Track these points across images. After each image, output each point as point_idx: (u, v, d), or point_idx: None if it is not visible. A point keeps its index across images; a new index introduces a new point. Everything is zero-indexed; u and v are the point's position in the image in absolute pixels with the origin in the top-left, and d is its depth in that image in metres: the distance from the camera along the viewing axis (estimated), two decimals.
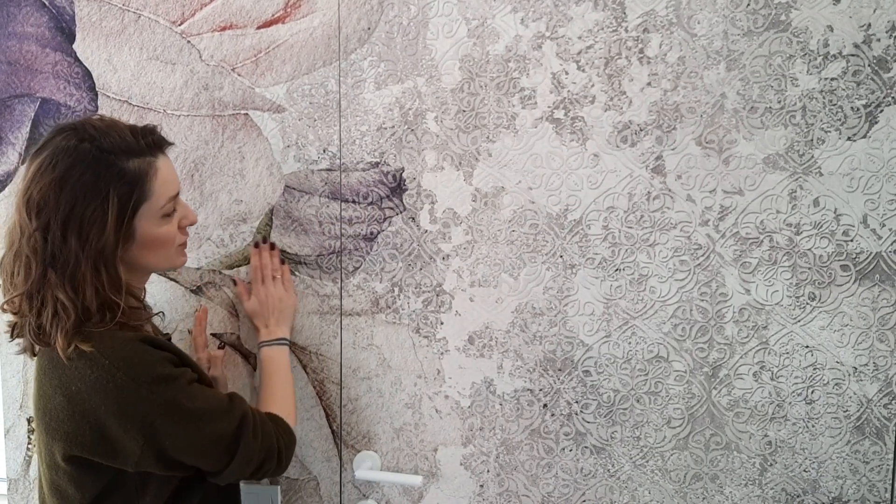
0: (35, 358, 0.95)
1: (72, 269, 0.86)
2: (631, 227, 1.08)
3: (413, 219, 1.16)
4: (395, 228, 1.17)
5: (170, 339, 1.09)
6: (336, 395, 1.23)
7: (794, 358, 1.05)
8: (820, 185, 1.02)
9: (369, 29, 1.14)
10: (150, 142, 0.93)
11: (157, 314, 1.04)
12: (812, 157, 1.01)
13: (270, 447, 0.98)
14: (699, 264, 1.06)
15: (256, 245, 1.20)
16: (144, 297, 1.02)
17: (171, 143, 0.97)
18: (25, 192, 0.87)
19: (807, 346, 1.05)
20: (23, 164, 1.29)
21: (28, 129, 1.28)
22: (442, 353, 1.17)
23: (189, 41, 1.21)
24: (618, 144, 1.07)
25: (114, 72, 1.25)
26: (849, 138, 1.00)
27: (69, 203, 0.85)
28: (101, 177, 0.87)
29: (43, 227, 0.85)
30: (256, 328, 1.18)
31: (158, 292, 1.27)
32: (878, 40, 0.98)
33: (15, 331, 0.93)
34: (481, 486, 1.18)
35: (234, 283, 1.23)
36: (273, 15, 1.18)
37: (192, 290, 1.27)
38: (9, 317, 0.93)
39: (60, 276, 0.86)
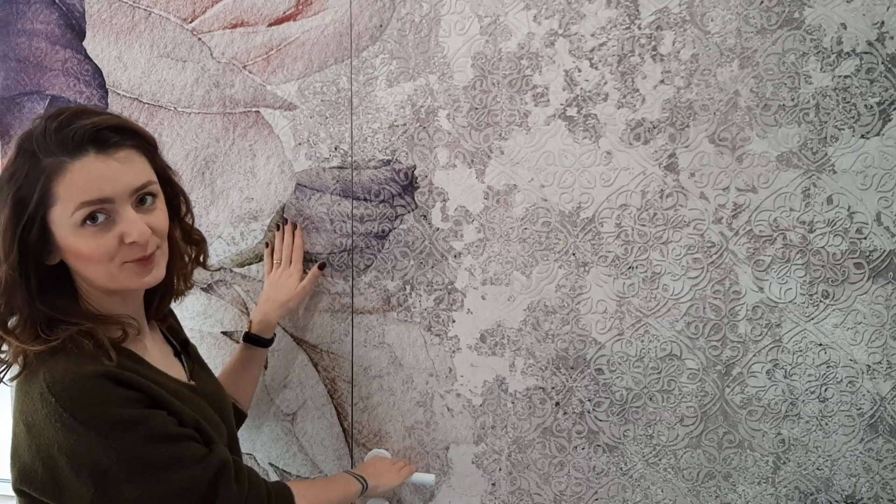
0: None
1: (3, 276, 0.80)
2: (644, 225, 1.08)
3: (425, 217, 1.16)
4: (407, 226, 1.17)
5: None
6: (347, 393, 1.23)
7: (808, 356, 1.05)
8: (833, 183, 1.02)
9: (381, 26, 1.14)
10: (73, 136, 0.77)
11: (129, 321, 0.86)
12: (825, 154, 1.01)
13: (258, 499, 0.86)
14: (712, 262, 1.06)
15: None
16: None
17: (117, 140, 0.80)
18: None
19: (820, 344, 1.04)
20: None
21: None
22: (454, 352, 1.17)
23: (200, 38, 1.21)
24: (631, 142, 1.07)
25: (124, 69, 1.24)
26: (862, 136, 1.00)
27: None
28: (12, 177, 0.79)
29: None
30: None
31: None
32: (892, 38, 0.98)
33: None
34: (493, 484, 1.18)
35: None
36: (284, 12, 1.18)
37: (202, 289, 1.26)
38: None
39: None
